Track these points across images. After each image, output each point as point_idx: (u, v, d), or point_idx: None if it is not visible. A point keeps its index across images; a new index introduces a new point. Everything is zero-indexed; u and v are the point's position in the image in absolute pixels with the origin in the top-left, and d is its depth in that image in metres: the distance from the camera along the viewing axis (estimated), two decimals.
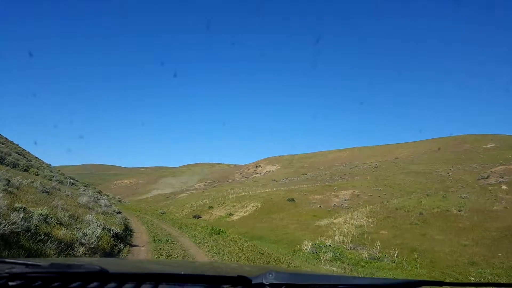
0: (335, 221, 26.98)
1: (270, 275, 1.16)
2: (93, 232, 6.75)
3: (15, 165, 17.49)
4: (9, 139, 54.86)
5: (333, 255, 16.34)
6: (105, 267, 1.16)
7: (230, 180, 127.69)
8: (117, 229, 8.94)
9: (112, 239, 8.04)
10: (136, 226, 15.37)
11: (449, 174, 66.23)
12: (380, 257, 16.47)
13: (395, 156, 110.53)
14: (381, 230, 21.26)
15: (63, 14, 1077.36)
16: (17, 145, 53.62)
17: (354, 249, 17.97)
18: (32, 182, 10.24)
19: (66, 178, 37.62)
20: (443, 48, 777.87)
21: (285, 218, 35.60)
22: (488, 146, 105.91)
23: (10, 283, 1.10)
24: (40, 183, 10.37)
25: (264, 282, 1.15)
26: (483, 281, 12.56)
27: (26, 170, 18.32)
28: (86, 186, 39.72)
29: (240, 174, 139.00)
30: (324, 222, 27.64)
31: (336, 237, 19.43)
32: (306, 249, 17.82)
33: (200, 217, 50.20)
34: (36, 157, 51.53)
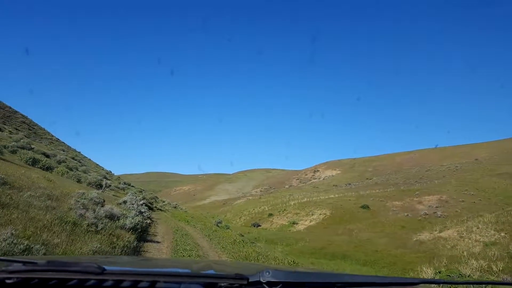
0: (442, 234, 20.17)
1: (267, 273, 1.15)
2: None
3: (34, 162, 15.14)
4: (72, 147, 57.80)
5: None
6: (102, 265, 1.14)
7: (287, 186, 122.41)
8: None
9: None
10: None
11: None
12: None
13: (474, 157, 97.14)
14: None
15: (58, 14, 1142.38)
16: (79, 152, 55.93)
17: None
18: None
19: (120, 183, 36.13)
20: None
21: (365, 229, 29.23)
22: None
23: (7, 281, 1.10)
24: None
25: (261, 280, 1.13)
26: None
27: (47, 169, 15.82)
28: (140, 192, 37.79)
29: (298, 179, 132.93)
30: (425, 236, 20.93)
31: (474, 263, 12.99)
32: None
33: (260, 226, 45.50)
34: (97, 164, 52.59)
